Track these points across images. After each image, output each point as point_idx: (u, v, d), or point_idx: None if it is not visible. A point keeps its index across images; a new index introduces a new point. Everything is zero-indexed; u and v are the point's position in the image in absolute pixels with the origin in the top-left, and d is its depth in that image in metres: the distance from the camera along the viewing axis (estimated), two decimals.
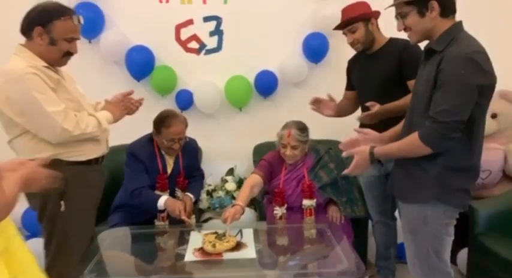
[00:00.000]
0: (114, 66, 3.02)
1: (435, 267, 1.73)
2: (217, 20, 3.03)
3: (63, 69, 1.94)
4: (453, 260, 2.56)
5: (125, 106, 2.10)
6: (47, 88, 1.75)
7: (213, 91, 3.00)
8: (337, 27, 2.36)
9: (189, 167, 2.52)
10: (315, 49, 3.01)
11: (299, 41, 3.03)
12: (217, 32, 3.04)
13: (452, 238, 1.75)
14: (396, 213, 2.32)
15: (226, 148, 3.13)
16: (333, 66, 3.02)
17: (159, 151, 2.41)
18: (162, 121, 2.34)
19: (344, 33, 2.35)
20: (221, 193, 2.92)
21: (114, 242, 2.16)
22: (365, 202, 2.49)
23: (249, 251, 1.89)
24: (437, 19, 1.64)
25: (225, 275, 1.86)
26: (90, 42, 2.91)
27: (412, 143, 1.63)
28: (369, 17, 2.28)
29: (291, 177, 2.42)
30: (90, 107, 2.01)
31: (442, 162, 1.63)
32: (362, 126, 2.40)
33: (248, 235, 2.03)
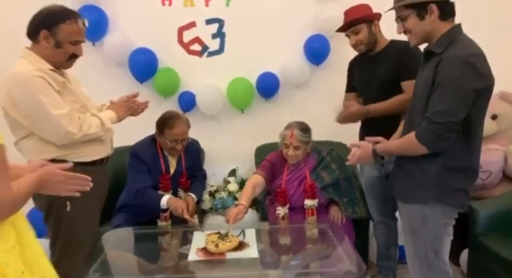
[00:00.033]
0: (117, 68, 3.04)
1: (434, 267, 1.75)
2: (220, 22, 3.05)
3: (69, 71, 1.97)
4: (456, 261, 2.58)
5: (129, 106, 2.13)
6: (52, 91, 1.78)
7: (215, 93, 3.02)
8: (340, 29, 2.37)
9: (192, 167, 2.54)
10: (316, 51, 3.03)
11: (300, 43, 3.06)
12: (220, 34, 3.07)
13: (451, 238, 1.77)
14: (397, 214, 2.34)
15: (228, 150, 3.15)
16: (334, 68, 3.03)
17: (162, 152, 2.43)
18: (165, 122, 2.36)
19: (347, 35, 2.36)
20: (223, 194, 2.95)
21: (118, 243, 2.18)
22: (366, 202, 2.50)
23: (252, 251, 1.91)
24: (436, 22, 1.66)
25: (228, 275, 1.88)
26: (94, 44, 2.94)
27: (409, 142, 1.67)
28: (371, 18, 2.30)
29: (293, 177, 2.44)
30: (95, 109, 2.04)
31: (441, 162, 1.66)
32: (365, 129, 2.43)
33: (250, 235, 2.05)
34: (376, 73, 2.32)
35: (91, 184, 1.37)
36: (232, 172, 3.12)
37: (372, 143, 1.84)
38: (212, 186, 3.02)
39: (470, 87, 1.55)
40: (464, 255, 2.51)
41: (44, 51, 1.81)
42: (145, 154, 2.39)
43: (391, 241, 2.53)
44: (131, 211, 2.44)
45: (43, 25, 1.78)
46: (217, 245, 1.89)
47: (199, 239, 2.02)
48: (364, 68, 2.41)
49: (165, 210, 2.31)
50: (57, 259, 1.88)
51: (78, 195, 1.35)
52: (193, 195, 2.44)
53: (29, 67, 1.75)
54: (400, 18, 1.73)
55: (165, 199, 2.28)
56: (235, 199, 2.87)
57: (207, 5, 3.02)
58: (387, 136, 1.94)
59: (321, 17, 2.97)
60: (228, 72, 3.05)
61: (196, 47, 3.08)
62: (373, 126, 2.28)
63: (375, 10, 2.34)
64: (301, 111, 3.02)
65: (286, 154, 2.43)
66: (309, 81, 3.13)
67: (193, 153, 2.58)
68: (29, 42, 1.85)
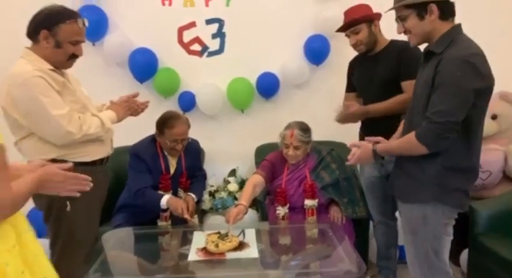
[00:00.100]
0: (117, 68, 3.05)
1: (434, 267, 1.75)
2: (220, 22, 3.06)
3: (69, 71, 1.97)
4: (456, 261, 2.59)
5: (129, 106, 2.13)
6: (52, 91, 1.78)
7: (215, 93, 3.03)
8: (341, 29, 2.37)
9: (192, 167, 2.54)
10: (316, 51, 3.03)
11: (300, 43, 3.06)
12: (220, 34, 3.07)
13: (451, 238, 1.77)
14: (397, 213, 2.34)
15: (228, 150, 3.15)
16: (334, 68, 3.04)
17: (162, 151, 2.44)
18: (165, 122, 2.36)
19: (347, 35, 2.36)
20: (223, 194, 2.95)
21: (118, 243, 2.18)
22: (366, 202, 2.50)
23: (252, 251, 1.91)
24: (436, 22, 1.66)
25: (228, 275, 1.88)
26: (94, 44, 2.94)
27: (409, 142, 1.67)
28: (371, 18, 2.30)
29: (293, 177, 2.45)
30: (95, 109, 2.04)
31: (441, 163, 1.66)
32: (365, 129, 2.44)
33: (250, 235, 2.05)
34: (376, 73, 2.32)
35: (91, 184, 1.37)
36: (232, 172, 3.13)
37: (372, 143, 1.84)
38: (212, 186, 3.02)
39: (470, 87, 1.56)
40: (464, 255, 2.51)
41: (44, 51, 1.81)
42: (146, 154, 2.40)
43: (391, 241, 2.54)
44: (131, 211, 2.44)
45: (43, 25, 1.79)
46: (217, 245, 1.89)
47: (199, 239, 2.03)
48: (364, 67, 2.42)
49: (165, 210, 2.31)
50: (57, 259, 1.89)
51: (78, 195, 1.35)
52: (193, 195, 2.44)
53: (29, 67, 1.76)
54: (400, 18, 1.74)
55: (165, 199, 2.28)
56: (235, 199, 2.88)
57: (207, 5, 3.03)
58: (387, 136, 1.94)
59: (321, 17, 2.97)
60: (228, 72, 3.06)
61: (196, 47, 3.08)
62: (373, 126, 2.28)
63: (374, 10, 2.34)
64: (301, 111, 3.02)
65: (286, 154, 2.43)
66: (309, 81, 3.14)
67: (193, 153, 2.58)
68: (29, 42, 1.85)
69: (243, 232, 2.04)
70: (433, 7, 1.64)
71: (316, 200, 2.32)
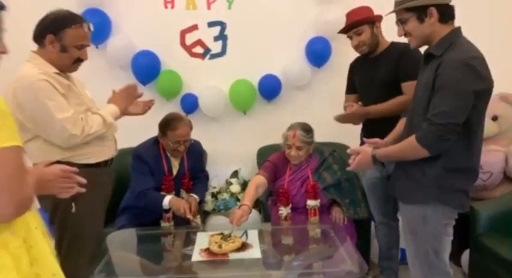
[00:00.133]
0: (120, 71, 3.06)
1: (435, 267, 1.76)
2: (222, 25, 3.07)
3: (74, 75, 2.00)
4: (457, 261, 2.60)
5: (129, 93, 2.11)
6: (57, 94, 1.81)
7: (217, 95, 3.04)
8: (343, 30, 2.38)
9: (194, 169, 2.56)
10: (317, 53, 3.05)
11: (302, 45, 3.07)
12: (222, 36, 3.09)
13: (451, 238, 1.78)
14: (398, 214, 2.35)
15: (230, 151, 3.17)
16: (335, 70, 3.04)
17: (165, 153, 2.46)
18: (167, 124, 2.38)
19: (349, 37, 2.38)
20: (226, 196, 2.96)
21: (122, 244, 2.20)
22: (368, 203, 2.52)
23: (254, 252, 1.93)
24: (436, 25, 1.68)
25: (231, 275, 1.89)
26: (97, 47, 2.96)
27: (410, 145, 1.68)
28: (373, 20, 2.32)
29: (296, 177, 2.46)
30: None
31: (441, 163, 1.67)
32: (366, 130, 2.45)
33: (253, 236, 2.07)
34: (377, 75, 2.34)
35: (84, 181, 1.35)
36: (235, 174, 3.14)
37: (371, 148, 1.83)
38: (214, 187, 3.03)
39: (470, 90, 1.57)
40: (465, 255, 2.52)
41: (49, 55, 1.83)
42: (148, 156, 2.42)
43: (392, 242, 2.55)
44: (134, 212, 2.46)
45: (49, 30, 1.81)
46: (220, 246, 1.91)
47: (202, 240, 2.04)
48: (365, 69, 2.43)
49: (167, 211, 2.33)
50: (63, 260, 1.89)
51: (67, 196, 1.34)
52: (195, 196, 2.46)
53: (35, 71, 1.78)
54: (400, 21, 1.75)
55: (167, 200, 2.30)
56: (238, 200, 2.89)
57: (209, 7, 3.05)
58: None
59: (323, 19, 2.99)
60: (230, 74, 3.07)
61: (199, 50, 3.10)
62: (374, 128, 2.30)
63: (376, 12, 2.35)
64: (303, 113, 3.04)
65: (288, 154, 2.45)
66: (311, 83, 3.15)
67: (196, 155, 2.60)
68: (35, 46, 1.87)
69: (245, 232, 2.06)
70: (433, 10, 1.65)
71: (319, 200, 2.34)
